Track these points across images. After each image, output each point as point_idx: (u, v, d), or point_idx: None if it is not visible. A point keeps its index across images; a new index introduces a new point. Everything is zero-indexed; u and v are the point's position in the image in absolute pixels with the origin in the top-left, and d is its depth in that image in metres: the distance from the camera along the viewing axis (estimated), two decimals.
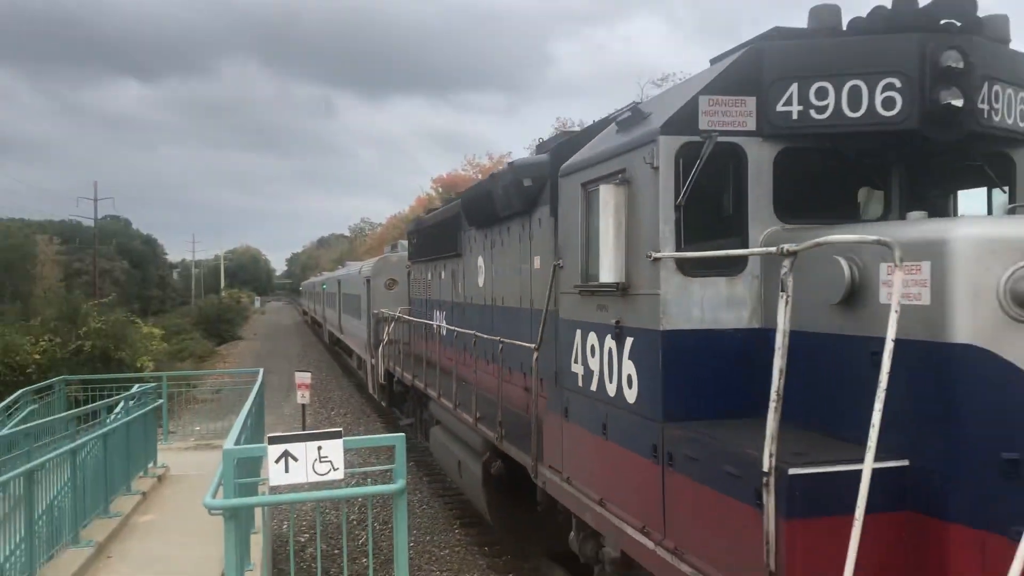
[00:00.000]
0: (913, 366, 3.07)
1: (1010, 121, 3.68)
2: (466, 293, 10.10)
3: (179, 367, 35.04)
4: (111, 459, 9.37)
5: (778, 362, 3.06)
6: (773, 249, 3.13)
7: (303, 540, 12.18)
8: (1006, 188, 4.13)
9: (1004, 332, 2.88)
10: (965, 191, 3.96)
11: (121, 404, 11.32)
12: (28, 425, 7.52)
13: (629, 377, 4.40)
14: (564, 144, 6.28)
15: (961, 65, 3.37)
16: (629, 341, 4.34)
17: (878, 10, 3.88)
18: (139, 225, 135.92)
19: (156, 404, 13.15)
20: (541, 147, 8.02)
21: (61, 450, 7.81)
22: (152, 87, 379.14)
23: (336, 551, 11.59)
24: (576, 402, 5.50)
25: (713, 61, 4.25)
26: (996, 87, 3.58)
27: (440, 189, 65.83)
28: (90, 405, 10.25)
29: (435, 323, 12.05)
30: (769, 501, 3.01)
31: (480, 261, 8.83)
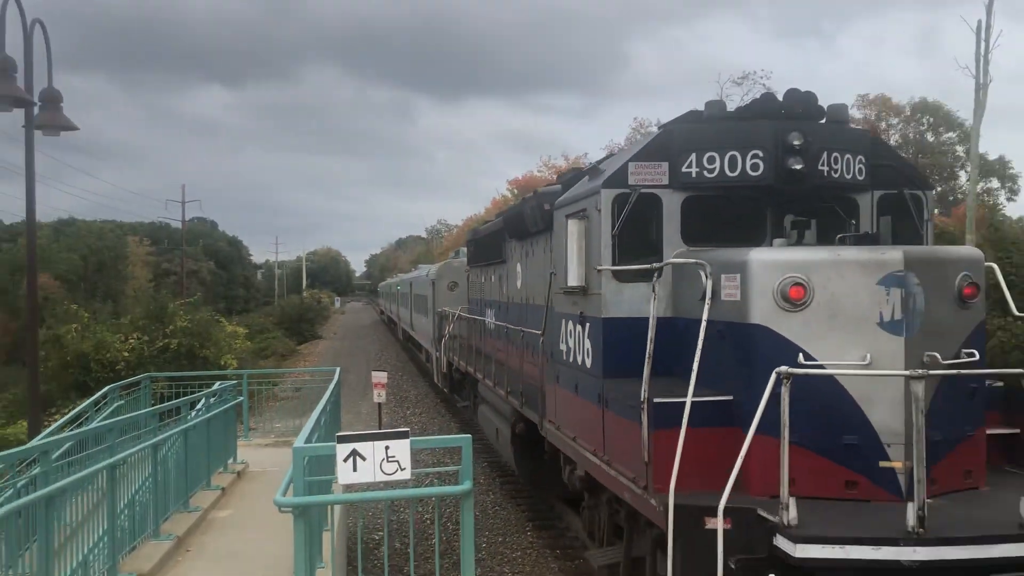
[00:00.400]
0: (733, 339, 5.13)
1: (848, 176, 5.96)
2: (508, 293, 12.18)
3: (261, 365, 35.97)
4: (192, 454, 9.62)
5: (651, 335, 5.34)
6: (650, 266, 5.44)
7: (376, 538, 12.29)
8: (853, 221, 6.27)
9: (778, 317, 5.03)
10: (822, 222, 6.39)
11: (203, 401, 11.61)
12: (113, 420, 7.76)
13: (588, 350, 6.67)
14: (572, 179, 8.31)
15: (800, 142, 5.69)
16: (588, 326, 6.59)
17: (751, 104, 6.27)
18: (225, 227, 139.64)
19: (237, 401, 13.43)
20: (561, 178, 10.08)
21: (143, 445, 8.04)
22: (236, 93, 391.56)
23: (408, 550, 11.66)
24: (563, 371, 7.79)
25: (661, 126, 6.93)
26: (835, 154, 5.86)
27: (516, 191, 65.95)
28: (173, 401, 10.54)
29: (486, 319, 14.19)
30: (644, 419, 5.06)
31: (518, 267, 10.93)
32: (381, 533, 12.49)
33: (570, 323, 7.48)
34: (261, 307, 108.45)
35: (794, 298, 5.12)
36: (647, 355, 5.45)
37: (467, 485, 5.51)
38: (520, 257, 10.74)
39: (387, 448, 5.53)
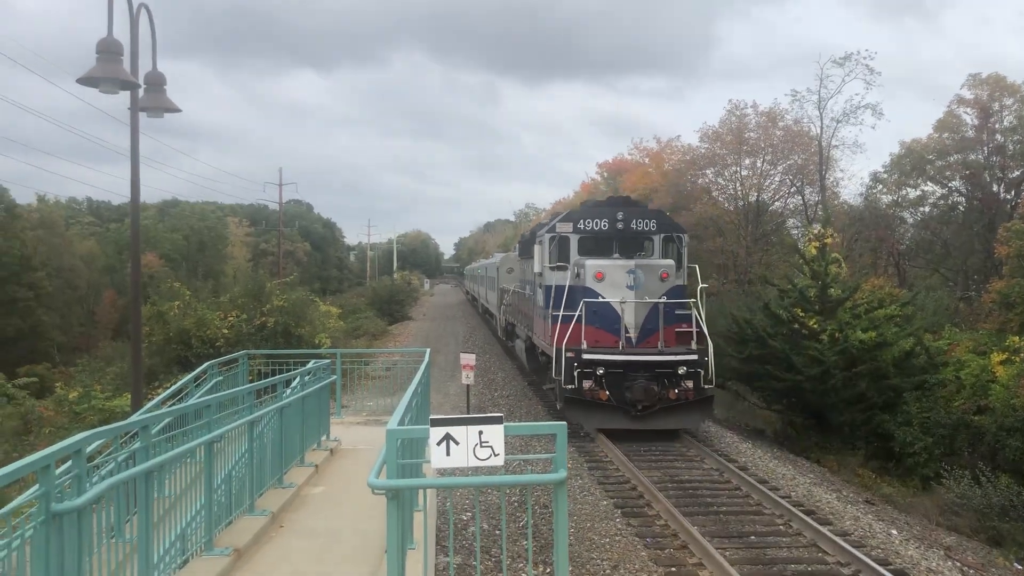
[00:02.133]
0: (580, 292, 19.02)
1: (646, 228, 20.37)
2: (526, 277, 24.41)
3: (353, 344, 36.63)
4: (287, 431, 9.75)
5: (564, 293, 19.67)
6: (548, 265, 20.11)
7: (464, 519, 12.30)
8: (653, 247, 20.31)
9: (594, 283, 18.82)
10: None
11: (298, 379, 11.79)
12: (212, 396, 7.89)
13: (542, 299, 20.79)
14: (537, 227, 23.00)
15: (621, 215, 20.30)
16: (545, 288, 20.27)
17: (605, 200, 22.05)
18: (319, 209, 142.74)
19: (331, 379, 13.62)
20: (536, 227, 24.36)
21: (240, 421, 8.15)
22: (328, 77, 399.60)
23: (497, 531, 11.64)
24: (537, 311, 21.50)
25: (558, 214, 23.23)
26: (637, 220, 20.34)
27: (605, 174, 65.25)
28: (269, 379, 10.71)
29: (525, 291, 25.36)
30: (554, 323, 19.22)
31: (536, 261, 21.67)
32: (469, 513, 12.51)
33: (539, 289, 20.75)
34: (354, 288, 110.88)
35: (598, 278, 18.15)
36: (561, 301, 18.22)
37: (562, 474, 5.34)
38: (535, 254, 21.69)
39: (480, 433, 5.40)
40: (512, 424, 5.49)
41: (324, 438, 12.42)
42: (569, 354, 18.55)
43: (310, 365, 12.81)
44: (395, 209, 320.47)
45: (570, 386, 18.75)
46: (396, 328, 53.86)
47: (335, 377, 14.75)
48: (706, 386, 18.67)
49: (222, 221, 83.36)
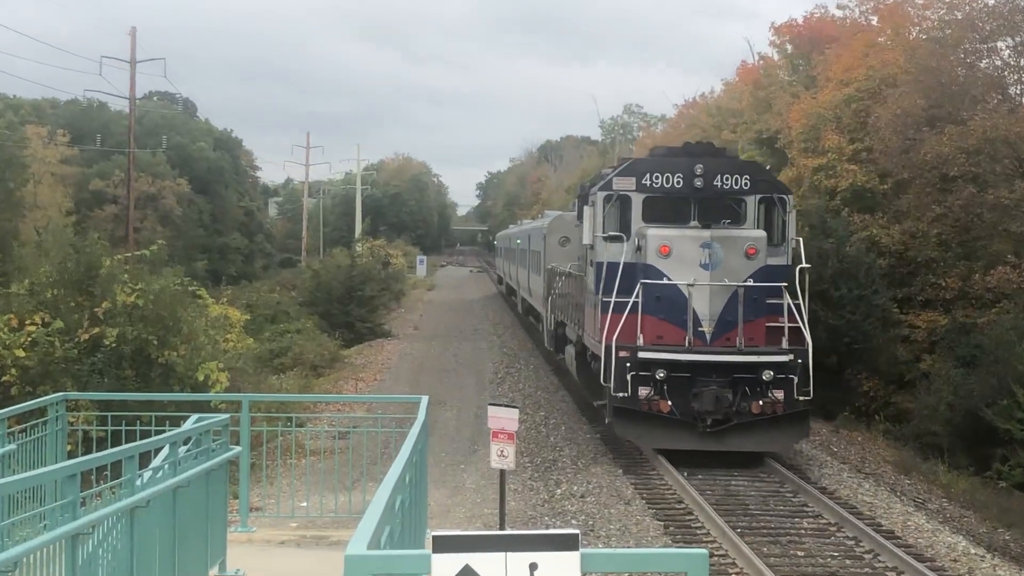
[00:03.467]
0: (641, 270, 28.74)
1: (737, 187, 29.59)
2: (582, 253, 34.13)
3: (274, 386, 36.94)
4: (141, 556, 9.83)
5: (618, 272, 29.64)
6: (601, 236, 30.14)
7: None
8: (745, 213, 29.97)
9: (657, 260, 28.30)
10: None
11: (165, 451, 11.86)
12: None
13: (596, 281, 30.75)
14: (597, 178, 34.05)
15: (701, 169, 29.29)
16: (596, 266, 30.24)
17: (680, 148, 32.56)
18: (211, 114, 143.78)
19: (230, 455, 13.75)
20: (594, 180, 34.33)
21: (49, 537, 8.23)
22: None
23: None
24: (588, 299, 32.20)
25: (617, 163, 34.26)
26: (724, 175, 29.55)
27: (789, 47, 64.89)
28: (107, 452, 10.82)
29: (578, 273, 33.32)
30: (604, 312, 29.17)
31: (585, 229, 31.47)
32: None
33: (590, 268, 31.33)
34: (276, 270, 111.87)
35: (663, 252, 27.41)
36: (614, 283, 28.06)
37: None
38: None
39: (534, 567, 5.42)
40: (596, 551, 5.47)
41: (214, 572, 12.52)
42: (622, 353, 26.74)
43: (188, 425, 12.91)
44: (359, 116, 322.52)
45: (621, 394, 26.64)
46: (360, 353, 54.18)
47: (236, 450, 14.85)
48: (801, 397, 26.77)
49: (15, 132, 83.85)
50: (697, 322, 26.84)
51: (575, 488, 25.75)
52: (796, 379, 26.42)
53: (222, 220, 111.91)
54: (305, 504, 17.98)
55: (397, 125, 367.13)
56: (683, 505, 24.30)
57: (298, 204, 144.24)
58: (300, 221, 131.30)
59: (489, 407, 20.06)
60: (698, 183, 28.72)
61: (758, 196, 28.91)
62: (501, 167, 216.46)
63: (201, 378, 27.81)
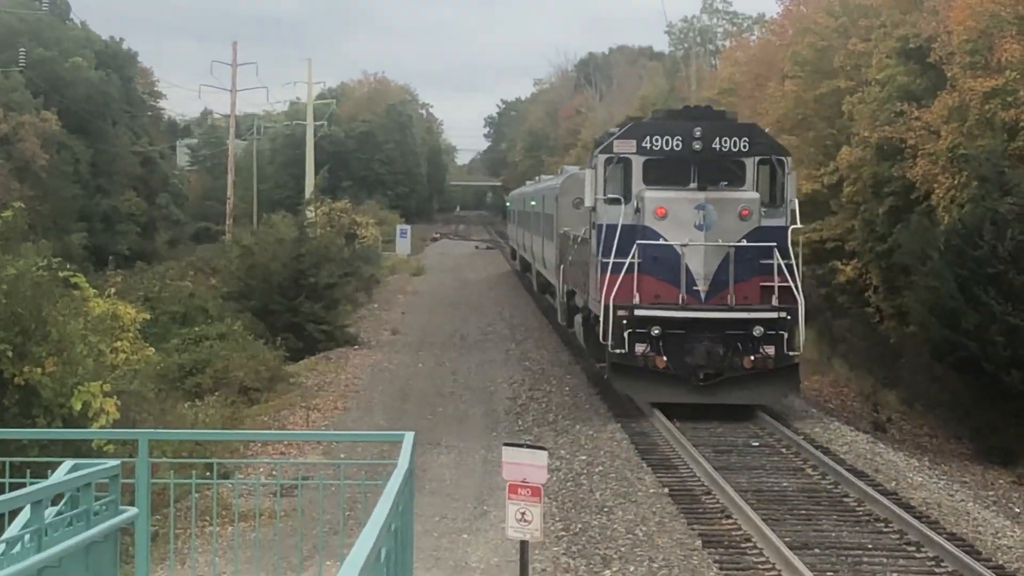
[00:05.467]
0: (638, 231, 43.76)
1: (735, 149, 43.26)
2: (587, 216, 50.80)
3: (184, 419, 36.90)
4: None
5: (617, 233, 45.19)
6: (602, 198, 45.00)
7: None
8: (744, 175, 43.92)
9: (654, 221, 42.74)
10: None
11: (25, 515, 11.89)
12: None
13: (597, 243, 46.62)
14: (606, 136, 49.99)
15: (699, 132, 42.89)
16: (597, 228, 45.31)
17: (680, 110, 50.70)
18: (92, 18, 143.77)
19: (121, 519, 13.76)
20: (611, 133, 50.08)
21: None
22: None
23: None
24: (592, 261, 47.53)
25: (619, 126, 52.05)
26: (723, 138, 43.17)
27: None
28: None
29: (584, 235, 48.69)
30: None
31: (587, 191, 46.62)
32: None
33: (592, 230, 46.25)
34: (187, 246, 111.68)
35: (659, 214, 41.55)
36: (613, 244, 42.02)
37: None
38: None
39: None
40: None
41: None
42: (620, 311, 39.32)
43: (60, 476, 12.94)
44: (311, 18, 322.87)
45: (619, 350, 39.33)
46: (314, 369, 54.33)
47: (132, 512, 14.89)
48: (791, 352, 39.19)
49: None
50: (692, 281, 39.62)
51: (631, 568, 25.65)
52: (786, 335, 38.87)
53: (108, 173, 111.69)
54: None
55: (366, 30, 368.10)
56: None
57: (221, 149, 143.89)
58: (224, 174, 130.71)
59: (504, 449, 20.15)
60: (697, 146, 41.04)
61: (757, 158, 41.38)
62: (521, 93, 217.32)
63: (78, 407, 27.79)
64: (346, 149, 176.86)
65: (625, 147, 39.25)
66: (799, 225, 38.50)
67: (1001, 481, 36.93)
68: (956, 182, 52.14)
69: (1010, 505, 33.38)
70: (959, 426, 49.15)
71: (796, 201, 39.27)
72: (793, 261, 37.99)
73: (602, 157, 40.46)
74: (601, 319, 38.29)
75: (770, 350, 37.50)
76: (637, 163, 39.54)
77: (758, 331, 37.45)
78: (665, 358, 37.60)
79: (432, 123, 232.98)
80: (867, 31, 66.52)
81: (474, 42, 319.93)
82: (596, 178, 41.09)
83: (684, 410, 38.60)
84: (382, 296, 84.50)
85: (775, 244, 38.80)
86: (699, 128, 39.73)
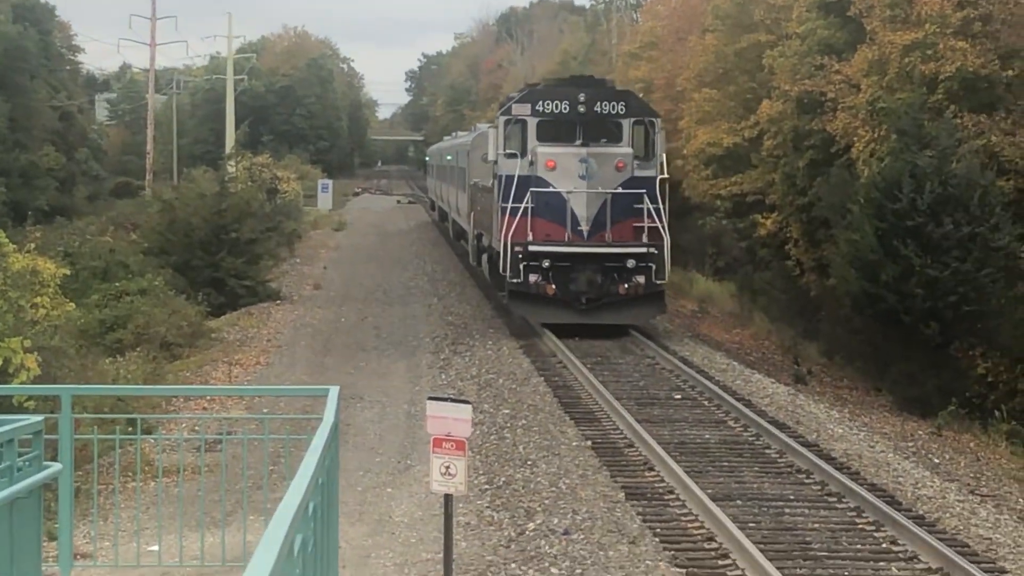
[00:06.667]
0: (531, 181, 52.23)
1: (614, 112, 52.25)
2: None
3: (106, 374, 36.72)
4: None
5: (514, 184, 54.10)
6: (502, 153, 53.76)
7: None
8: (621, 134, 53.16)
9: (545, 172, 51.52)
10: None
11: None
12: None
13: (498, 191, 55.69)
14: (507, 99, 62.59)
15: (583, 97, 51.71)
16: (498, 178, 54.28)
17: (568, 79, 63.84)
18: None
19: (44, 475, 13.72)
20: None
21: None
22: None
23: None
24: (496, 207, 56.28)
25: (518, 91, 65.51)
26: (603, 102, 52.16)
27: None
28: None
29: (489, 185, 59.24)
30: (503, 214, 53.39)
31: (489, 147, 55.57)
32: None
33: (494, 180, 55.59)
34: (107, 201, 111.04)
35: (549, 166, 50.26)
36: (511, 192, 50.09)
37: None
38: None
39: None
40: None
41: None
42: (516, 247, 46.60)
43: None
44: None
45: (516, 280, 46.79)
46: (236, 324, 54.16)
47: (56, 467, 14.84)
48: (658, 281, 47.11)
49: None
50: (576, 222, 47.84)
51: (555, 521, 25.55)
52: (654, 267, 47.33)
53: (25, 127, 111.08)
54: (156, 548, 17.87)
55: None
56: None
57: (140, 103, 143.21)
58: (143, 129, 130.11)
59: (428, 403, 20.09)
60: (581, 109, 49.04)
61: (632, 119, 49.90)
62: (443, 47, 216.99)
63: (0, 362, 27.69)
64: (267, 104, 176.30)
65: (522, 110, 48.28)
66: (667, 176, 48.74)
67: (920, 432, 37.11)
68: (876, 135, 53.08)
69: (929, 456, 33.56)
70: (879, 378, 49.89)
71: (664, 155, 49.08)
72: (661, 205, 47.44)
73: (502, 118, 49.98)
74: (501, 255, 47.13)
75: (640, 279, 46.56)
76: (531, 123, 48.47)
77: (631, 263, 46.42)
78: (554, 286, 46.52)
79: (353, 77, 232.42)
80: None
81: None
82: (498, 136, 50.12)
83: (569, 329, 46.80)
84: (304, 251, 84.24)
85: (645, 191, 48.11)
86: (583, 94, 49.05)
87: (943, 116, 45.79)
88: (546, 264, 46.38)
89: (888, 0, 50.58)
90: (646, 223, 46.97)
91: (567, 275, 46.76)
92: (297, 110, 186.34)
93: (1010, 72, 46.96)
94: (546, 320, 48.09)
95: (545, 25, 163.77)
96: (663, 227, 47.16)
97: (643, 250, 46.74)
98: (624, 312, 48.14)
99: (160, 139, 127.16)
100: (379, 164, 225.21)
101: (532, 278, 46.46)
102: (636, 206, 47.37)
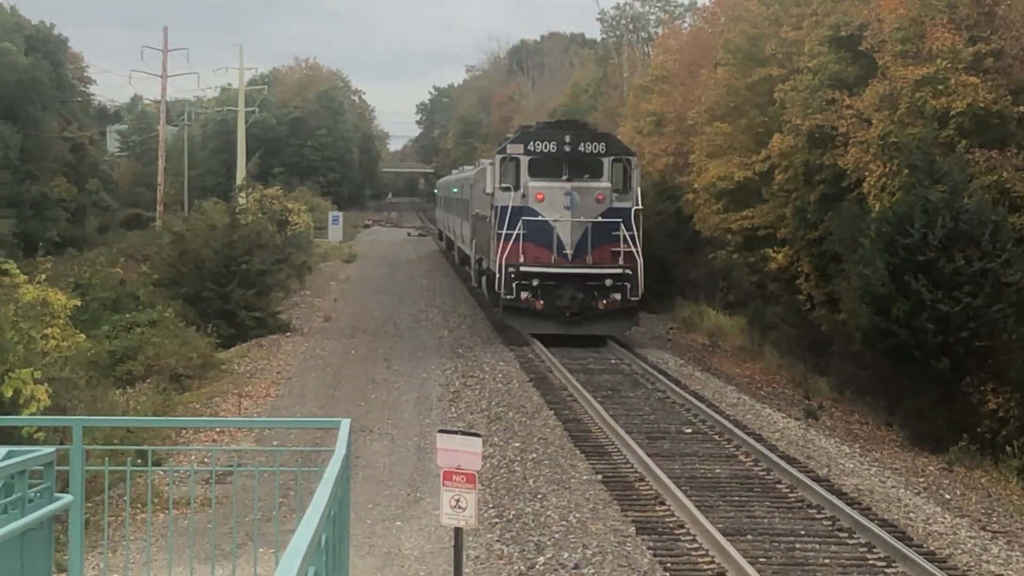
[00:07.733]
0: (523, 211, 62.65)
1: (595, 151, 62.19)
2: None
3: (116, 406, 36.61)
4: None
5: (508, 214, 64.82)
6: (498, 186, 64.54)
7: None
8: (601, 170, 63.79)
9: (535, 204, 62.08)
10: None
11: None
12: None
13: (495, 220, 66.00)
14: (503, 140, 74.86)
15: (569, 138, 61.67)
16: (494, 209, 64.82)
17: (556, 122, 75.93)
18: (28, 7, 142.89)
19: (55, 507, 13.67)
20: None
21: None
22: None
23: None
24: (493, 234, 66.68)
25: (514, 132, 78.15)
26: (586, 143, 61.93)
27: None
28: None
29: (487, 215, 69.78)
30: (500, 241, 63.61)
31: (488, 181, 67.18)
32: None
33: (492, 210, 65.90)
34: (118, 232, 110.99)
35: (539, 198, 60.31)
36: (505, 221, 60.06)
37: None
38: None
39: None
40: None
41: None
42: (510, 268, 55.70)
43: None
44: (242, 3, 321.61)
45: (509, 296, 56.17)
46: (246, 356, 54.04)
47: (66, 499, 14.80)
48: (632, 298, 56.47)
49: None
50: (561, 247, 56.32)
51: (565, 555, 25.62)
52: (629, 285, 55.72)
53: (38, 159, 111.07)
54: None
55: (298, 15, 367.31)
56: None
57: (151, 135, 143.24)
58: (154, 160, 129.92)
59: (438, 435, 20.07)
60: (567, 148, 57.46)
61: (611, 157, 58.31)
62: (454, 79, 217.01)
63: (9, 393, 27.62)
64: (278, 135, 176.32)
65: (515, 149, 57.25)
66: (640, 207, 57.70)
67: (931, 468, 37.16)
68: (887, 170, 52.73)
69: (940, 491, 33.54)
70: (890, 413, 49.24)
71: (639, 189, 58.21)
72: (636, 232, 56.27)
73: (499, 156, 58.91)
74: (497, 275, 55.69)
75: (617, 296, 55.30)
76: (524, 161, 57.27)
77: (608, 283, 55.13)
78: (542, 302, 55.19)
79: (364, 109, 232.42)
80: (799, 19, 67.15)
81: (407, 26, 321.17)
82: (495, 172, 59.03)
83: (555, 339, 55.05)
84: (314, 283, 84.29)
85: (622, 220, 56.53)
86: (569, 135, 57.81)
87: (955, 151, 45.64)
88: (535, 283, 54.97)
89: (900, 35, 50.32)
90: (622, 248, 55.63)
91: (554, 292, 55.26)
92: (308, 142, 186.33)
93: (1022, 108, 46.82)
94: (535, 331, 56.01)
95: (556, 58, 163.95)
96: (637, 251, 55.84)
97: (619, 271, 55.48)
98: (603, 324, 56.65)
99: (171, 170, 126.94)
100: (390, 196, 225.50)
101: (523, 295, 55.07)
102: (614, 233, 55.95)
